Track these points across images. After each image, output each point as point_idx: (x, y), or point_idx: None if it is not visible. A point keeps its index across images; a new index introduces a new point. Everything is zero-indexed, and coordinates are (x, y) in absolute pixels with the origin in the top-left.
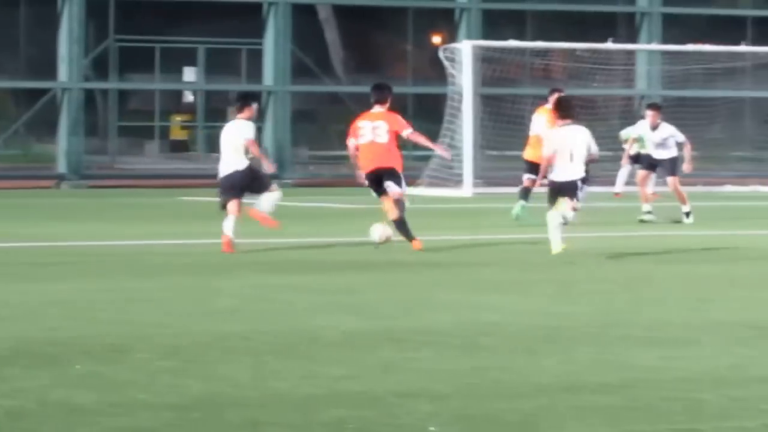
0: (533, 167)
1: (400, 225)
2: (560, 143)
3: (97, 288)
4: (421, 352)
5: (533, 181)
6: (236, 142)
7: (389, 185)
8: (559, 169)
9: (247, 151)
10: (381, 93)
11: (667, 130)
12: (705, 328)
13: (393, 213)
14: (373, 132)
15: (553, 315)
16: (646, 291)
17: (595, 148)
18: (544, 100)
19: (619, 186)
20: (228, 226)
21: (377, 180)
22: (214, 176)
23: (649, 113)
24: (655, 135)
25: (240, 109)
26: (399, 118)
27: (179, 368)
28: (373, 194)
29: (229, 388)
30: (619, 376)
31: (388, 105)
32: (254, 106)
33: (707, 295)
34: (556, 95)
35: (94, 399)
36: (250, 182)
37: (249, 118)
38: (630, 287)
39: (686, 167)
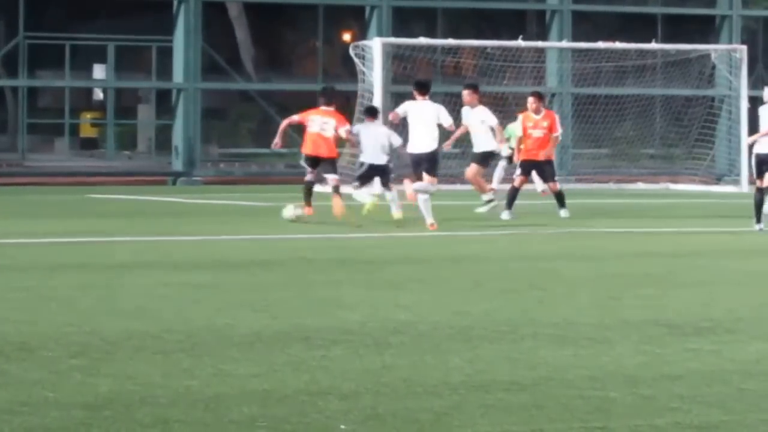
0: (525, 166)
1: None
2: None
3: (5, 286)
4: (331, 350)
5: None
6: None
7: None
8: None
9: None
10: (331, 95)
11: (483, 112)
12: (615, 327)
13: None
14: (321, 126)
15: (464, 313)
16: (556, 289)
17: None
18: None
19: (495, 182)
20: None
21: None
22: (124, 173)
23: (464, 92)
24: (472, 115)
25: (423, 93)
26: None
27: (89, 367)
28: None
29: (140, 387)
30: (530, 375)
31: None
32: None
33: (617, 293)
34: (532, 99)
35: (4, 398)
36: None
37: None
38: (540, 285)
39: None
